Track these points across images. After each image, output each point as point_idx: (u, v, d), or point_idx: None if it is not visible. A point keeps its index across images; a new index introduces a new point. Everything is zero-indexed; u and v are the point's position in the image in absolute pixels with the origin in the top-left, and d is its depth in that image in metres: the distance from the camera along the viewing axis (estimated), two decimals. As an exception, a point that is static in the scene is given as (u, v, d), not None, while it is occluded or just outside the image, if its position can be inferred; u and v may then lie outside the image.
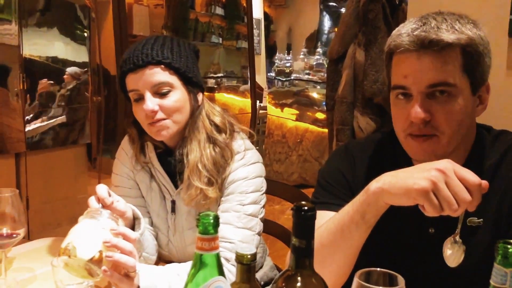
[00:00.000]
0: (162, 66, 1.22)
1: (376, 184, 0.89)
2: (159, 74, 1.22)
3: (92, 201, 1.09)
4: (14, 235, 1.05)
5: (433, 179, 0.81)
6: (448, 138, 0.96)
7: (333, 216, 0.98)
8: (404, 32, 0.96)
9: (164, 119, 1.24)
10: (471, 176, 0.81)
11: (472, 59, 0.93)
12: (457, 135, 0.97)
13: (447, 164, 0.82)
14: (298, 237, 0.65)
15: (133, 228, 1.20)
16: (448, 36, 0.91)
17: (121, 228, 1.02)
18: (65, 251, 0.92)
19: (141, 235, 1.18)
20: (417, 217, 1.00)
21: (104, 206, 1.08)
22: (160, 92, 1.22)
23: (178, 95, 1.25)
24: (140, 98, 1.23)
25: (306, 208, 0.65)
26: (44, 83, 3.22)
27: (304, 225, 0.65)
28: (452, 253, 0.91)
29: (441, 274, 1.02)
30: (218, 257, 0.66)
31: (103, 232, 0.97)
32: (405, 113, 0.97)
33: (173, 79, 1.24)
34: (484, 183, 0.81)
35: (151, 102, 1.21)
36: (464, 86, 0.95)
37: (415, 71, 0.95)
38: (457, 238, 0.91)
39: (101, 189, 1.10)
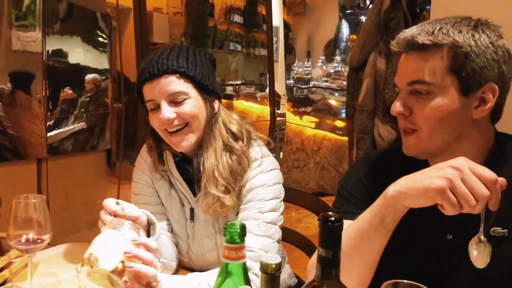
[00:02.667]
0: (177, 75, 1.23)
1: (393, 187, 0.90)
2: (174, 83, 1.23)
3: (104, 216, 1.10)
4: (40, 241, 1.06)
5: (449, 177, 0.82)
6: (427, 133, 0.98)
7: (352, 222, 0.98)
8: (398, 35, 1.03)
9: (181, 128, 1.25)
10: (486, 172, 0.82)
11: (457, 60, 0.95)
12: (438, 132, 0.98)
13: (461, 162, 0.83)
14: (325, 247, 0.65)
15: (148, 233, 1.21)
16: (423, 37, 0.96)
17: (142, 239, 1.03)
18: (88, 262, 0.93)
19: (157, 240, 1.19)
20: (435, 223, 1.01)
21: (117, 217, 1.10)
22: (175, 100, 1.23)
23: (194, 103, 1.25)
24: (157, 108, 1.25)
25: (332, 218, 0.64)
26: (66, 90, 3.27)
27: (331, 236, 0.65)
28: (479, 254, 0.90)
29: (461, 281, 1.01)
30: (244, 266, 0.66)
31: (124, 243, 0.98)
32: None
33: (189, 88, 1.25)
34: (501, 179, 0.82)
35: (167, 111, 1.22)
36: (449, 85, 0.96)
37: (401, 69, 1.02)
38: (482, 237, 0.90)
39: (109, 203, 1.11)
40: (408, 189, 0.87)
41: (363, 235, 0.94)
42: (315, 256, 1.02)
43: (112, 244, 0.97)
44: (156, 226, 1.20)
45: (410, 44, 0.98)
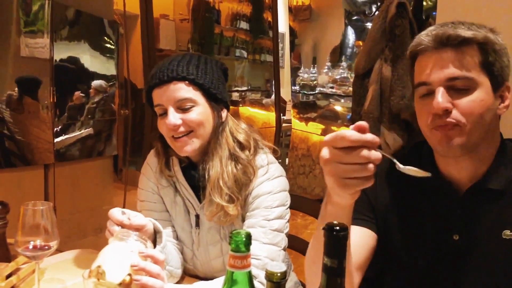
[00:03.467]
0: (187, 82, 1.24)
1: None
2: (183, 90, 1.24)
3: (111, 225, 1.11)
4: (47, 247, 1.07)
5: (331, 170, 0.79)
6: (470, 128, 0.96)
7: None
8: (424, 33, 1.02)
9: (186, 134, 1.25)
10: (348, 133, 0.76)
11: (490, 56, 0.97)
12: (478, 127, 0.97)
13: (322, 152, 0.80)
14: (330, 256, 0.65)
15: (154, 241, 1.22)
16: (465, 31, 0.96)
17: (149, 251, 1.04)
18: (95, 274, 0.94)
19: (163, 248, 1.19)
20: (441, 224, 1.01)
21: (124, 226, 1.11)
22: (183, 107, 1.24)
23: (201, 110, 1.26)
24: (164, 113, 1.26)
25: (338, 227, 0.65)
26: (73, 96, 3.29)
27: (336, 245, 0.65)
28: (413, 170, 0.87)
29: (468, 282, 1.01)
30: (250, 275, 0.66)
31: (131, 255, 0.99)
32: (429, 108, 0.99)
33: (197, 95, 1.26)
34: (360, 124, 0.77)
35: (173, 117, 1.23)
36: (484, 81, 0.97)
37: (435, 66, 0.99)
38: (398, 164, 0.87)
39: (114, 214, 1.12)
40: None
41: (317, 240, 0.96)
42: (310, 251, 1.02)
43: (119, 257, 0.98)
44: (163, 235, 1.20)
45: (449, 39, 0.97)
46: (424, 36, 1.00)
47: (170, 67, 1.25)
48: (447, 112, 0.97)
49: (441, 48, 0.98)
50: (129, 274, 0.96)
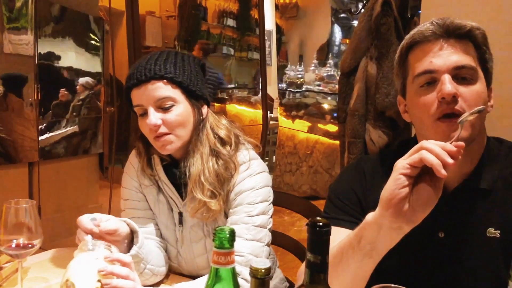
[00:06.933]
0: (165, 80, 1.23)
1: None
2: (162, 89, 1.23)
3: (81, 234, 1.10)
4: (30, 246, 1.06)
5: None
6: (473, 120, 0.95)
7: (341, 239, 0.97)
8: (427, 23, 1.02)
9: (167, 133, 1.25)
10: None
11: (486, 54, 1.00)
12: (479, 120, 0.98)
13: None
14: (313, 252, 0.66)
15: (131, 241, 1.21)
16: (470, 23, 0.98)
17: (115, 255, 1.03)
18: None
19: (140, 248, 1.18)
20: (427, 221, 1.01)
21: (93, 235, 1.09)
22: (163, 106, 1.24)
23: (181, 109, 1.25)
24: (145, 113, 1.25)
25: (321, 224, 0.65)
26: (58, 93, 3.26)
27: (319, 241, 0.66)
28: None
29: (452, 279, 1.02)
30: (234, 271, 0.67)
31: (97, 263, 0.98)
32: (432, 98, 0.98)
33: (176, 93, 1.25)
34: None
35: (154, 117, 1.23)
36: (481, 76, 0.99)
37: (441, 54, 0.99)
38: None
39: (83, 221, 1.11)
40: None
41: (343, 254, 0.92)
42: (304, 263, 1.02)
43: (86, 266, 0.97)
44: (139, 234, 1.19)
45: (456, 28, 0.98)
46: (429, 25, 1.01)
47: (147, 66, 1.24)
48: (455, 100, 0.95)
49: (446, 37, 0.99)
50: (99, 281, 0.95)
